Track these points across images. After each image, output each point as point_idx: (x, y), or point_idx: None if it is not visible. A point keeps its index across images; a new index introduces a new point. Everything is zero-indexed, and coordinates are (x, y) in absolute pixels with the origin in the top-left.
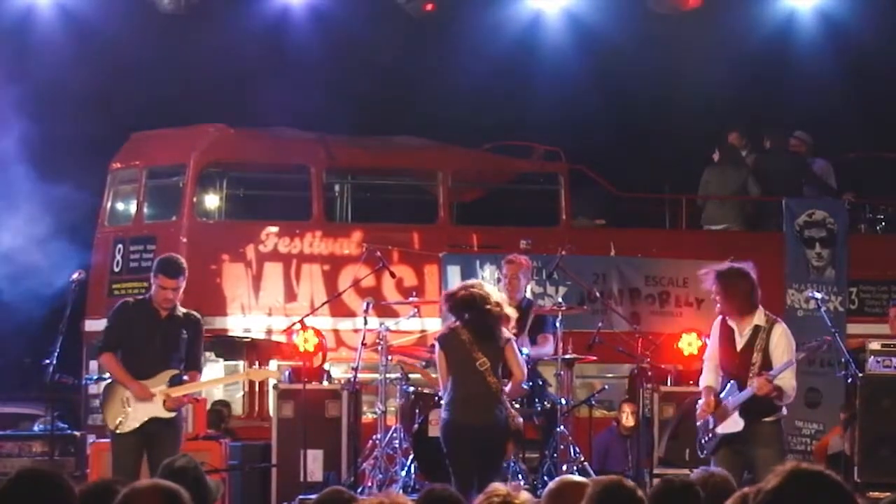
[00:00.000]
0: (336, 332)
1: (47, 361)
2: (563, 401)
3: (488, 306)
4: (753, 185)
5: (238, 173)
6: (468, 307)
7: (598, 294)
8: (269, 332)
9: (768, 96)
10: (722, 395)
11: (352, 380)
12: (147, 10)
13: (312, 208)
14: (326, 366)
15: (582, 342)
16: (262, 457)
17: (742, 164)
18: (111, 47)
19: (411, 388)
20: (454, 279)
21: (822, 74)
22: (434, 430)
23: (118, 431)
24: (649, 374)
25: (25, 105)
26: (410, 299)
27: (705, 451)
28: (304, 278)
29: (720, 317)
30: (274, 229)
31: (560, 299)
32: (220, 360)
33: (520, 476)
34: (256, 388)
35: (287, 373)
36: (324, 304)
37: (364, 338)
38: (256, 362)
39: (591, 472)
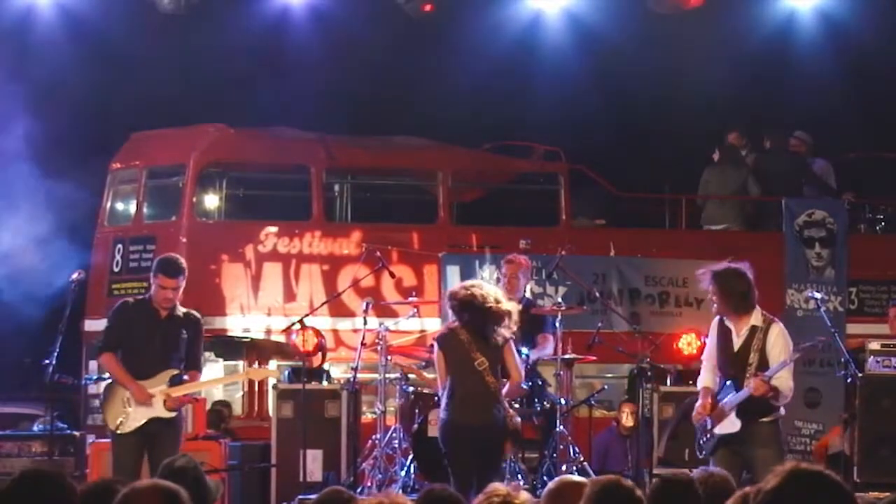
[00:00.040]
0: (335, 332)
1: (47, 361)
2: (563, 401)
3: (488, 306)
4: (753, 185)
5: (238, 173)
6: (468, 307)
7: (597, 294)
8: (269, 332)
9: (768, 96)
10: (719, 396)
11: (351, 380)
12: (147, 10)
13: (312, 208)
14: (326, 366)
15: (582, 342)
16: (262, 457)
17: (742, 164)
18: (111, 47)
19: (411, 388)
20: (454, 279)
21: (822, 74)
22: (433, 430)
23: (119, 432)
24: (649, 374)
25: (25, 105)
26: (410, 299)
27: (704, 452)
28: (304, 278)
29: (718, 317)
30: (273, 229)
31: (560, 299)
32: (220, 360)
33: (519, 476)
34: (256, 388)
35: (287, 373)
36: (323, 304)
37: (363, 338)
38: (256, 362)
39: (591, 472)
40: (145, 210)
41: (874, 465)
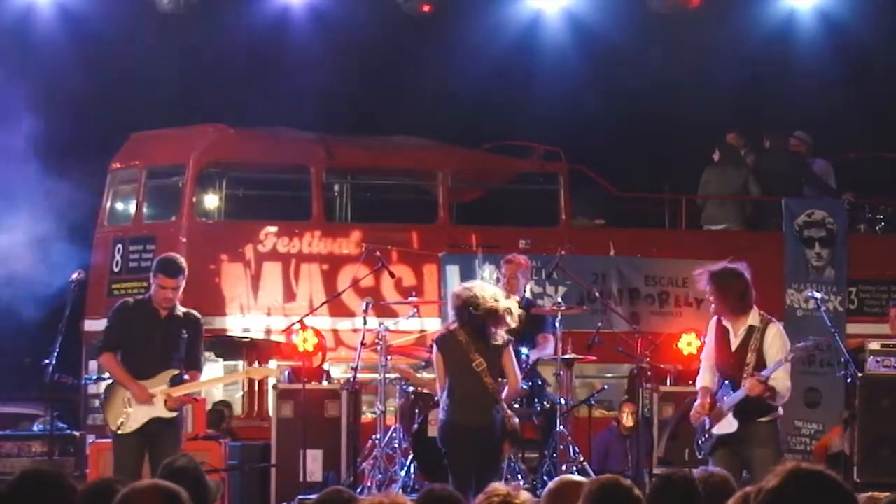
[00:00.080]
0: (335, 331)
1: (47, 361)
2: (563, 401)
3: (488, 306)
4: (753, 184)
5: (237, 173)
6: (469, 307)
7: (597, 294)
8: (269, 331)
9: (768, 96)
10: (718, 396)
11: (351, 380)
12: (146, 11)
13: (312, 208)
14: (326, 366)
15: (582, 342)
16: (262, 457)
17: (742, 164)
18: (111, 47)
19: (411, 388)
20: (453, 279)
21: (822, 74)
22: (433, 430)
23: (120, 432)
24: (649, 374)
25: (25, 105)
26: (410, 299)
27: (702, 452)
28: (304, 278)
29: (716, 317)
30: (273, 229)
31: (560, 299)
32: (220, 360)
33: (519, 476)
34: (256, 388)
35: (286, 373)
36: (323, 304)
37: (363, 338)
38: (256, 362)
39: (591, 472)
40: (145, 210)
41: (874, 465)
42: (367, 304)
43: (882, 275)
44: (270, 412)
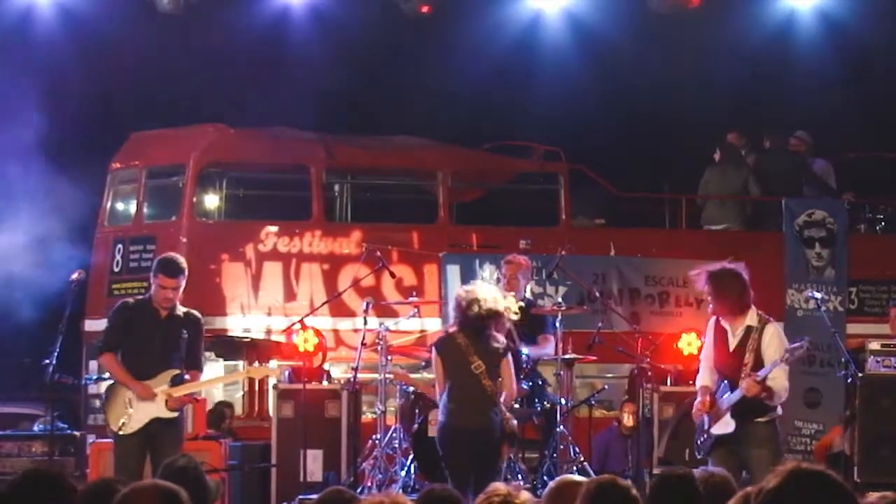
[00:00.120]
0: (336, 331)
1: (47, 361)
2: (563, 401)
3: (489, 307)
4: (753, 184)
5: (238, 173)
6: (469, 309)
7: (597, 294)
8: (269, 331)
9: (768, 96)
10: (717, 395)
11: (351, 380)
12: (146, 11)
13: (312, 208)
14: (326, 366)
15: (582, 342)
16: (262, 457)
17: (742, 164)
18: (111, 47)
19: (411, 388)
20: (454, 279)
21: (822, 74)
22: (434, 430)
23: (121, 433)
24: (649, 374)
25: (25, 105)
26: (410, 299)
27: (701, 452)
28: (304, 278)
29: (714, 317)
30: (273, 229)
31: (560, 299)
32: (220, 360)
33: (520, 476)
34: (256, 388)
35: (287, 373)
36: (323, 303)
37: (364, 338)
38: (256, 362)
39: (591, 472)
40: (145, 210)
41: (874, 465)
42: (368, 304)
43: (882, 275)
44: (271, 412)
